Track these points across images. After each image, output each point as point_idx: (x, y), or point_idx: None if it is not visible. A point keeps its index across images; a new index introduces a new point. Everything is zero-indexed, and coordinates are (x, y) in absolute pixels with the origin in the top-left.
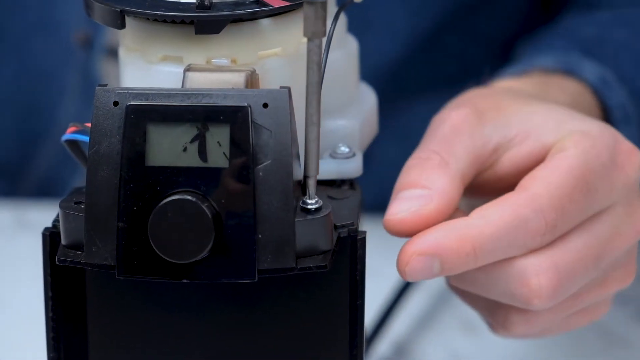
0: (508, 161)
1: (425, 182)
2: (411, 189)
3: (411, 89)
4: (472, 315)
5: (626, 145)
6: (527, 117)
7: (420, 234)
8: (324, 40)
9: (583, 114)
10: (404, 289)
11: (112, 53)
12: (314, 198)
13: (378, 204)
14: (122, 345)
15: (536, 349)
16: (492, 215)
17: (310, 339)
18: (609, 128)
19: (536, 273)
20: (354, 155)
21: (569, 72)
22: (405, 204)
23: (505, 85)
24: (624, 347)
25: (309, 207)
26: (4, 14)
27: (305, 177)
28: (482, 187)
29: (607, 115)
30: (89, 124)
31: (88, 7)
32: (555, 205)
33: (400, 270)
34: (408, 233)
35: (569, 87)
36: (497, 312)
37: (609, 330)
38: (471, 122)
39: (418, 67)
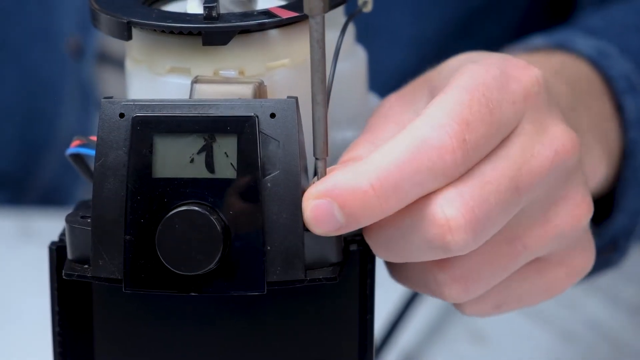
0: None
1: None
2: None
3: None
4: (480, 325)
5: (518, 61)
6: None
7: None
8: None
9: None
10: (412, 299)
11: (104, 59)
12: None
13: None
14: (129, 358)
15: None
16: (389, 146)
17: (319, 353)
18: (498, 53)
19: (441, 206)
20: None
21: (558, 46)
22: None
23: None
24: (635, 358)
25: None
26: (3, 23)
27: (315, 159)
28: None
29: (609, 87)
30: (93, 137)
31: (94, 18)
32: (456, 117)
33: (305, 221)
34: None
35: (554, 57)
36: (427, 279)
37: (619, 341)
38: (397, 109)
39: None
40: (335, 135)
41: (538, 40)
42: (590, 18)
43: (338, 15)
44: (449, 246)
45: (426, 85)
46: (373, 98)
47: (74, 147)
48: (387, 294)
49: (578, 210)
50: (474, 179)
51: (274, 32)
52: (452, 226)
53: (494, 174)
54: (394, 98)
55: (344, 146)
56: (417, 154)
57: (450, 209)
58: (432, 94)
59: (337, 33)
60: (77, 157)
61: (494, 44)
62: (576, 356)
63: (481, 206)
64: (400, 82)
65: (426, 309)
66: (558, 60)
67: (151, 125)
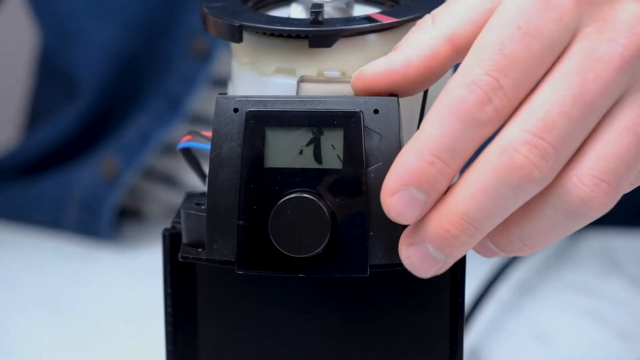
0: None
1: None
2: None
3: None
4: (544, 324)
5: None
6: None
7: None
8: None
9: None
10: (480, 298)
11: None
12: None
13: None
14: (231, 338)
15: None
16: (432, 111)
17: (411, 336)
18: None
19: (513, 146)
20: None
21: None
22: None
23: None
24: None
25: None
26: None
27: None
28: None
29: None
30: (204, 132)
31: (205, 22)
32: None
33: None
34: (369, 84)
35: None
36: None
37: None
38: None
39: None
40: None
41: None
42: None
43: None
44: (532, 177)
45: None
46: None
47: (184, 142)
48: None
49: None
50: (541, 104)
51: (373, 36)
52: (534, 160)
53: (562, 95)
54: None
55: None
56: (457, 107)
57: (526, 150)
58: None
59: None
60: (187, 151)
61: None
62: (635, 356)
63: (551, 131)
64: None
65: (489, 308)
66: None
67: (263, 119)
